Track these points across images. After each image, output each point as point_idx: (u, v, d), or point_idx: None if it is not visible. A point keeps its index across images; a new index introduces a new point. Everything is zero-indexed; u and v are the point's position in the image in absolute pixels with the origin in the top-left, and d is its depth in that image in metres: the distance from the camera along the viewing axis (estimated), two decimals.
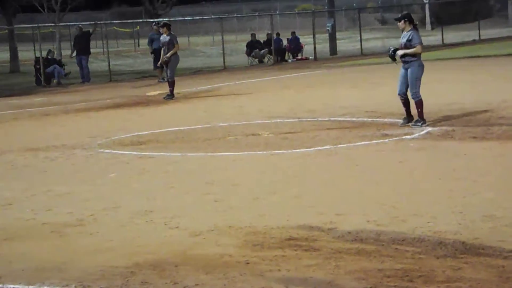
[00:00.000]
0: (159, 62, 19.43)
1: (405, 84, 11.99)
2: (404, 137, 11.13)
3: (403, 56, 11.91)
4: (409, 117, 12.04)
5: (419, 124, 11.84)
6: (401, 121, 12.17)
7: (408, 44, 11.89)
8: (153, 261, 5.89)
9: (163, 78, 24.73)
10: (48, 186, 9.00)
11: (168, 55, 18.56)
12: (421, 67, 11.97)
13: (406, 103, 12.05)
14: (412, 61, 11.90)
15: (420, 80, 11.98)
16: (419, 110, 11.93)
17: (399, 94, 12.08)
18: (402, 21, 12.01)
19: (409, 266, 5.44)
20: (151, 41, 25.38)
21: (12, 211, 7.94)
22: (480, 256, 5.60)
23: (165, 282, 5.40)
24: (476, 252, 5.71)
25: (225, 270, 5.57)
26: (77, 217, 7.44)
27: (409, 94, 11.98)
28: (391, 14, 60.08)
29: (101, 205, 7.86)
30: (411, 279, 5.18)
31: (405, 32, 11.99)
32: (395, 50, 12.08)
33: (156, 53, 24.76)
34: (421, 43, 11.89)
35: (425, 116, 11.98)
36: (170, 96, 18.73)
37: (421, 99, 11.90)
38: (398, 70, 12.35)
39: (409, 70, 11.94)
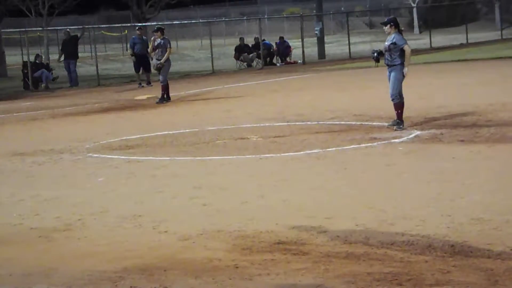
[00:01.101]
0: (154, 67, 19.37)
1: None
2: (392, 140, 11.15)
3: (390, 60, 12.02)
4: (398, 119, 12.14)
5: (401, 127, 11.91)
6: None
7: (392, 47, 12.00)
8: (142, 265, 5.87)
9: (140, 83, 24.72)
10: (35, 191, 8.96)
11: (162, 61, 18.52)
12: (402, 73, 12.06)
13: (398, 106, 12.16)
14: (395, 64, 12.03)
15: (401, 83, 12.09)
16: (399, 111, 12.04)
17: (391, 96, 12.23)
18: (388, 26, 12.16)
19: (398, 270, 5.44)
20: (133, 45, 25.30)
21: None
22: (469, 259, 5.61)
23: (153, 287, 5.37)
24: (465, 255, 5.71)
25: (214, 274, 5.55)
26: (65, 221, 7.40)
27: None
28: (379, 18, 60.21)
29: (89, 210, 7.83)
30: (400, 283, 5.18)
31: (389, 36, 12.12)
32: (379, 53, 12.19)
33: (136, 57, 24.72)
34: (407, 43, 12.03)
35: (413, 119, 12.01)
36: (162, 100, 18.70)
37: (400, 102, 12.02)
38: (386, 73, 12.38)
39: (392, 73, 12.06)
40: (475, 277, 5.23)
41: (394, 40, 11.99)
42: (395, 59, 12.01)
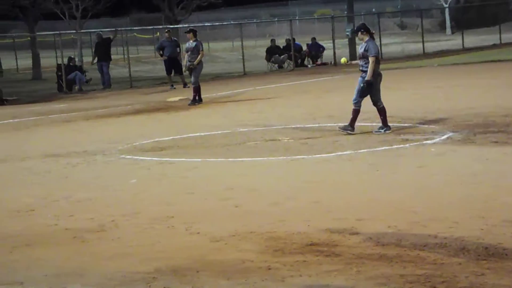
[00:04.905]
0: (184, 69, 19.42)
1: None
2: (424, 142, 11.08)
3: (365, 66, 12.05)
4: (384, 125, 12.12)
5: (382, 130, 11.94)
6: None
7: (365, 54, 12.03)
8: (174, 266, 5.90)
9: (172, 85, 24.85)
10: (69, 192, 9.05)
11: (195, 62, 18.58)
12: (378, 76, 12.08)
13: (380, 111, 12.17)
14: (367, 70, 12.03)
15: (379, 88, 12.12)
16: (382, 117, 12.07)
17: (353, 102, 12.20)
18: (359, 33, 12.21)
19: (431, 272, 5.40)
20: (161, 48, 25.41)
21: (35, 217, 7.99)
22: (504, 262, 5.56)
23: None
24: (499, 257, 5.66)
25: (246, 276, 5.57)
26: (98, 222, 7.47)
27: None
28: (410, 19, 59.88)
29: (122, 211, 7.89)
30: (433, 285, 5.15)
31: (363, 42, 12.13)
32: (366, 82, 12.08)
33: (168, 59, 24.82)
34: (375, 55, 11.98)
35: (445, 121, 11.93)
36: (194, 101, 18.77)
37: (383, 107, 12.05)
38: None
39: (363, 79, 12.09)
40: (510, 280, 5.18)
41: (367, 48, 12.01)
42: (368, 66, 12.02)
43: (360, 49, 12.22)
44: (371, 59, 11.88)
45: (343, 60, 12.49)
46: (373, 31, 12.42)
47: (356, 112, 12.09)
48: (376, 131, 12.00)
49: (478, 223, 6.57)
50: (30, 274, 5.96)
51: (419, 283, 5.19)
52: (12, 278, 5.87)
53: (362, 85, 12.02)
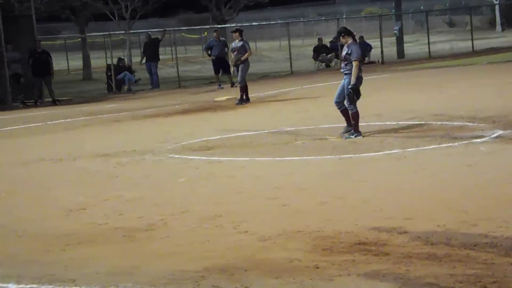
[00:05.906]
0: (233, 62, 19.54)
1: (342, 94, 12.11)
2: (474, 140, 10.96)
3: (346, 69, 12.01)
4: (349, 126, 12.05)
5: (353, 136, 11.81)
6: (468, 124, 12.05)
7: (347, 57, 11.95)
8: (223, 265, 5.95)
9: (219, 85, 24.96)
10: (119, 191, 9.18)
11: (242, 58, 18.67)
12: (358, 80, 11.95)
13: (344, 112, 12.15)
14: (350, 73, 11.90)
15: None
16: (354, 122, 11.95)
17: (335, 102, 12.24)
18: (341, 37, 12.11)
19: (481, 272, 5.35)
20: (209, 48, 25.55)
21: (86, 215, 8.12)
22: None
23: (235, 287, 5.44)
24: None
25: (294, 275, 5.59)
26: (147, 221, 7.56)
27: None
28: (459, 17, 59.11)
29: (171, 210, 7.98)
30: (484, 285, 5.10)
31: (345, 46, 12.06)
32: (350, 88, 11.94)
33: (215, 59, 24.92)
34: (358, 59, 11.88)
35: (495, 119, 11.76)
36: (241, 101, 18.85)
37: (356, 112, 11.92)
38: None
39: (346, 81, 12.01)
40: None
41: (350, 51, 11.92)
42: (350, 68, 11.90)
43: (343, 52, 12.19)
44: (354, 64, 11.85)
45: None
46: (355, 34, 12.36)
47: (355, 116, 11.99)
48: (347, 137, 11.85)
49: None
50: (82, 272, 6.07)
51: (469, 283, 5.15)
52: (65, 276, 5.99)
53: (348, 92, 11.95)
